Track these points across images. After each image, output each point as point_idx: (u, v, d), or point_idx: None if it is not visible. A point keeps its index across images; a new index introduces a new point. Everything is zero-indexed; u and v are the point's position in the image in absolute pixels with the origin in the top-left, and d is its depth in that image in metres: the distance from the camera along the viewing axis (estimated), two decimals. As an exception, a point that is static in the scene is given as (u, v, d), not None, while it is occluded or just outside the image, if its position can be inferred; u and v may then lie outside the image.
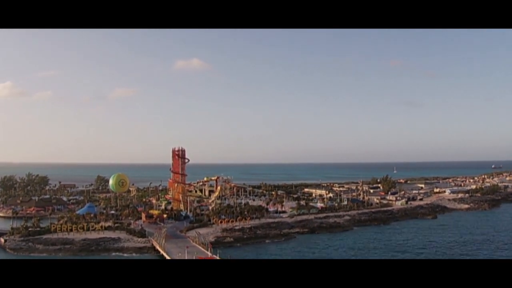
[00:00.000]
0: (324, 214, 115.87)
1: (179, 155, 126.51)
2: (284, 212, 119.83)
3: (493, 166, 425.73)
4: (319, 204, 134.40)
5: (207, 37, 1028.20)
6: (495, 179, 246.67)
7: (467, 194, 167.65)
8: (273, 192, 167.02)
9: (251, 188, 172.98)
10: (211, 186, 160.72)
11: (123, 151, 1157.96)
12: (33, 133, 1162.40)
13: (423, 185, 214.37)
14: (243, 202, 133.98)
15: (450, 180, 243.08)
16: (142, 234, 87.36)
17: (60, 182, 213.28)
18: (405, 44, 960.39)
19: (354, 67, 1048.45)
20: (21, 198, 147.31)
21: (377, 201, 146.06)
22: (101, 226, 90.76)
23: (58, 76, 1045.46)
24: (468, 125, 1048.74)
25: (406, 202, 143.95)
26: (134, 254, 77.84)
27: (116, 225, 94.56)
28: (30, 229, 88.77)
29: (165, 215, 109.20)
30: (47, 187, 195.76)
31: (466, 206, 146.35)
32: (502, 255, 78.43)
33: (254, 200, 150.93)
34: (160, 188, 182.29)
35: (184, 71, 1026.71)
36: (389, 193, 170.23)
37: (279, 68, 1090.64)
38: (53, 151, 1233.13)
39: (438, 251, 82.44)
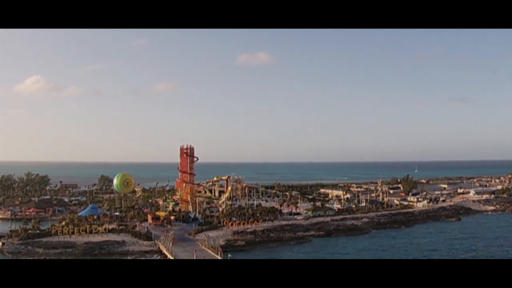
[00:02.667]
0: (341, 216, 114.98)
1: (188, 153, 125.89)
2: (298, 214, 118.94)
3: None
4: (336, 206, 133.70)
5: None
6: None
7: (492, 195, 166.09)
8: (287, 193, 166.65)
9: (263, 189, 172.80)
10: (221, 186, 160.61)
11: (129, 149, 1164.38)
12: (44, 131, 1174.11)
13: (446, 186, 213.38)
14: (255, 203, 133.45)
15: (475, 180, 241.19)
16: (148, 237, 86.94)
17: (61, 182, 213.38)
18: (466, 41, 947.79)
19: (385, 65, 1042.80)
20: (20, 199, 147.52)
21: (398, 202, 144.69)
22: (105, 229, 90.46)
23: (100, 71, 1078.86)
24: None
25: (428, 204, 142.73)
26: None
27: (120, 227, 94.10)
28: (29, 231, 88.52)
29: (172, 217, 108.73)
30: (48, 187, 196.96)
31: (492, 207, 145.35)
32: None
33: (267, 201, 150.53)
34: (167, 188, 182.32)
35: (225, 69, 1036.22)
36: (410, 194, 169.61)
37: (302, 65, 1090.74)
38: (55, 150, 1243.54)
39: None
